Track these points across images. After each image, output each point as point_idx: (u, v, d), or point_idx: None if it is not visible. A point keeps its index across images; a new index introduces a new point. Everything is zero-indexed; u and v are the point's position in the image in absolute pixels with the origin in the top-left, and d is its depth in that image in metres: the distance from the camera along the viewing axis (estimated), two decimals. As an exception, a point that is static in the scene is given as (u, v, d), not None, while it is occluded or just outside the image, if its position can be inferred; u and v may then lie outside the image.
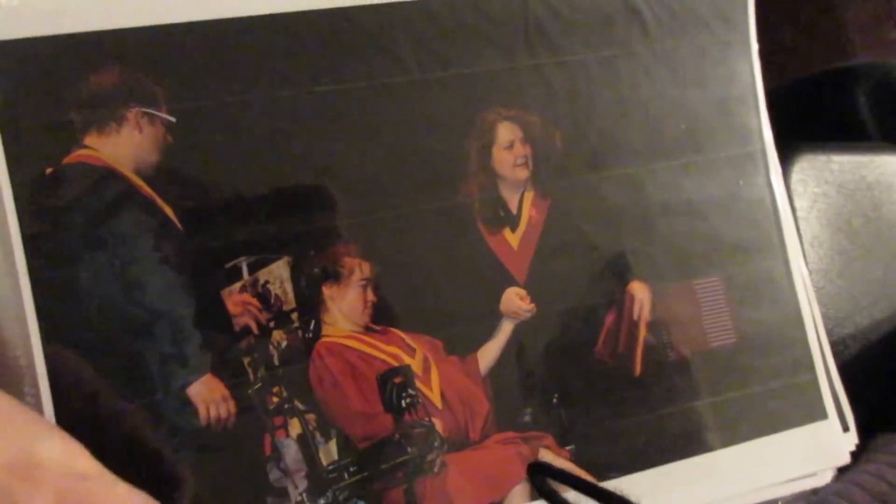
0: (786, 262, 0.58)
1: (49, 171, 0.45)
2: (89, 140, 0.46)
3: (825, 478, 0.56)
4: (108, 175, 0.46)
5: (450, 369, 0.51)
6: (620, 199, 0.55)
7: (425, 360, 0.50)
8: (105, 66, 0.46)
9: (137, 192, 0.47)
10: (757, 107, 0.58)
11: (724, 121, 0.57)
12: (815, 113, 0.75)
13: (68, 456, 0.35)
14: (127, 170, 0.47)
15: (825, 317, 0.60)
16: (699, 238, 0.56)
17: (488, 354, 0.52)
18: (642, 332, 0.55)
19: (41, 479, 0.33)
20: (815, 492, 0.55)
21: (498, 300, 0.52)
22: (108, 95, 0.46)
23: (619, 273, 0.54)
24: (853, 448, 0.57)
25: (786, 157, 0.61)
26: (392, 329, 0.50)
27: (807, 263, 0.60)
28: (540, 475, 0.44)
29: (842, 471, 0.57)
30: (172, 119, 0.47)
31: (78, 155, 0.46)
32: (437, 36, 0.52)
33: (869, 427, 0.58)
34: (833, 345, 0.59)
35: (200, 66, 0.48)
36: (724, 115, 0.58)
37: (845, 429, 0.58)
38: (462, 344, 0.51)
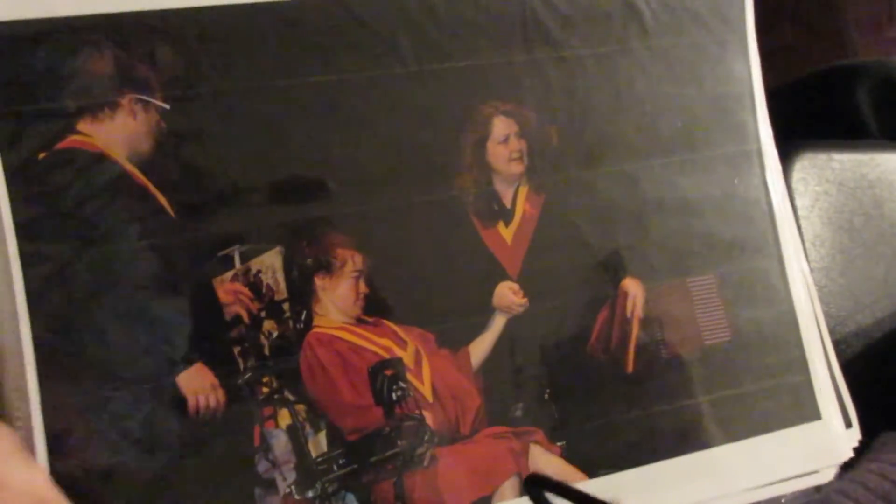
0: (780, 261, 0.58)
1: (42, 156, 0.45)
2: (82, 126, 0.46)
3: (828, 475, 0.56)
4: (101, 161, 0.46)
5: (441, 363, 0.51)
6: (615, 195, 0.55)
7: (417, 352, 0.50)
8: (100, 51, 0.46)
9: (130, 178, 0.46)
10: (753, 106, 0.58)
11: (720, 119, 0.57)
12: (816, 111, 0.75)
13: (32, 480, 0.38)
14: (120, 156, 0.46)
15: (827, 315, 0.60)
16: (694, 236, 0.56)
17: (480, 348, 0.51)
18: (635, 329, 0.54)
19: (7, 498, 0.36)
20: (818, 489, 0.55)
21: (491, 294, 0.52)
22: (102, 81, 0.46)
23: (612, 269, 0.54)
24: (856, 444, 0.57)
25: (787, 156, 0.61)
26: (384, 321, 0.50)
27: (808, 262, 0.60)
28: (537, 488, 0.43)
29: (845, 468, 0.56)
30: (167, 106, 0.47)
31: (71, 141, 0.46)
32: (435, 28, 0.52)
33: (872, 425, 0.58)
34: (835, 343, 0.59)
35: (196, 53, 0.47)
36: (720, 114, 0.57)
37: (848, 425, 0.57)
38: (454, 337, 0.51)
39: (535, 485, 0.43)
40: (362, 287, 0.50)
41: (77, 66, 0.45)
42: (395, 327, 0.50)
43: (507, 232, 0.53)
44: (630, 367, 0.54)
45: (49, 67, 0.45)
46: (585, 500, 0.41)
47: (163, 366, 0.45)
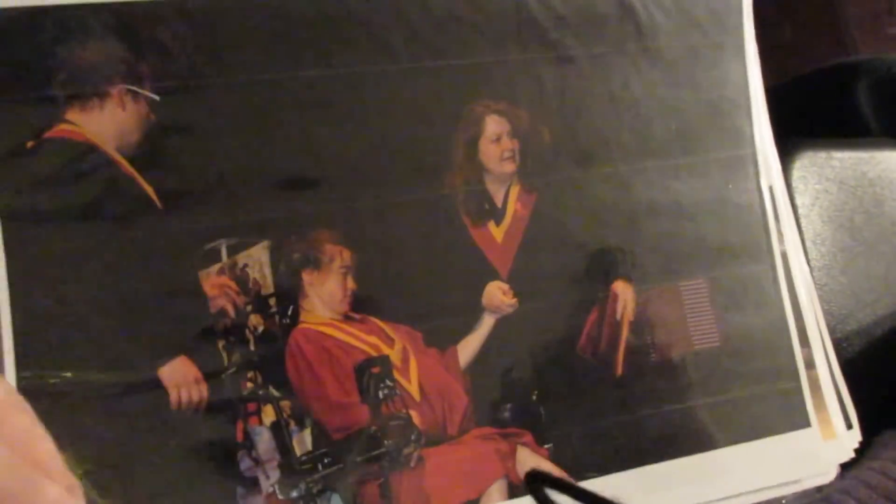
0: (773, 267, 0.57)
1: (30, 144, 0.45)
2: (71, 115, 0.45)
3: (829, 476, 0.56)
4: (89, 151, 0.46)
5: (429, 361, 0.50)
6: (608, 197, 0.54)
7: (404, 350, 0.50)
8: (90, 40, 0.46)
9: (118, 169, 0.46)
10: (748, 110, 0.58)
11: (714, 123, 0.57)
12: (816, 109, 0.75)
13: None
14: (108, 147, 0.46)
15: (828, 314, 0.59)
16: (686, 239, 0.56)
17: (468, 348, 0.51)
18: (625, 332, 0.54)
19: None
20: (819, 490, 0.55)
21: (480, 293, 0.51)
22: (92, 71, 0.46)
23: (603, 271, 0.54)
24: (856, 445, 0.57)
25: (786, 155, 0.60)
26: (371, 318, 0.49)
27: (809, 261, 0.59)
28: (538, 483, 0.43)
29: (847, 468, 0.56)
30: (157, 97, 0.47)
31: (59, 130, 0.45)
32: (428, 25, 0.51)
33: (873, 424, 0.57)
34: (836, 342, 0.59)
35: (187, 45, 0.47)
36: (715, 118, 0.57)
37: (849, 426, 0.57)
38: (442, 336, 0.50)
39: (536, 480, 0.43)
40: (350, 283, 0.49)
41: (67, 54, 0.45)
42: (383, 325, 0.50)
43: (497, 231, 0.52)
44: (619, 371, 0.54)
45: (39, 55, 0.45)
46: (586, 497, 0.40)
47: (145, 357, 0.45)
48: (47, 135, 0.45)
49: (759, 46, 0.58)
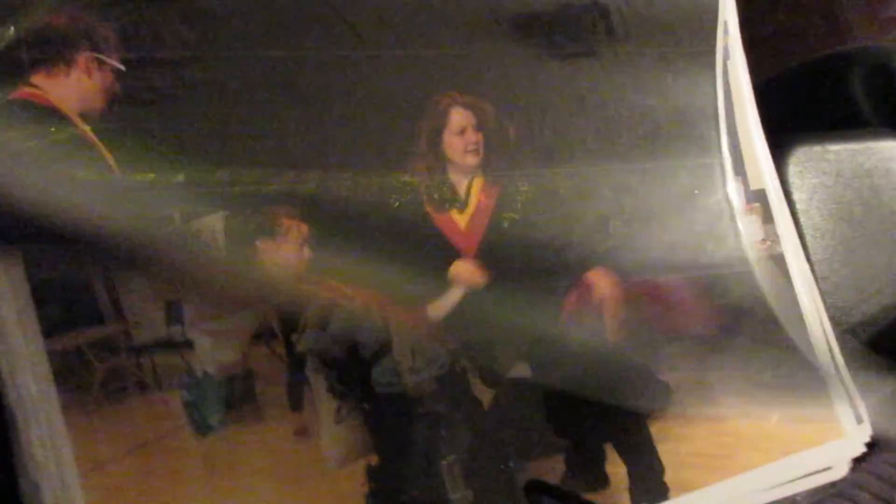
0: (750, 274, 0.56)
1: (-6, 105, 0.45)
2: (37, 79, 0.46)
3: (842, 470, 0.53)
4: (52, 116, 0.46)
5: (397, 313, 0.48)
6: (572, 195, 0.54)
7: (366, 304, 0.48)
8: (60, 5, 0.47)
9: (80, 136, 0.46)
10: (716, 119, 0.58)
11: (682, 131, 0.57)
12: (810, 101, 0.74)
13: None
14: (72, 112, 0.46)
15: (832, 307, 0.59)
16: (652, 242, 0.55)
17: (439, 311, 0.49)
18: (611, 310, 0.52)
19: None
20: (833, 485, 0.53)
21: (444, 271, 0.50)
22: (60, 36, 0.46)
23: (572, 265, 0.53)
24: (867, 440, 0.55)
25: (781, 150, 0.60)
26: (329, 281, 0.48)
27: (809, 256, 0.59)
28: (537, 495, 0.41)
29: (859, 461, 0.54)
30: (122, 67, 0.47)
31: (24, 92, 0.45)
32: (400, 14, 0.52)
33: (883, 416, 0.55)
34: (840, 335, 0.57)
35: (155, 17, 0.48)
36: (682, 125, 0.57)
37: (859, 420, 0.55)
38: (409, 298, 0.49)
39: (536, 491, 0.41)
40: (306, 252, 0.48)
41: (36, 18, 0.46)
42: (342, 286, 0.48)
43: (461, 218, 0.52)
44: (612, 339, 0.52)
45: (6, 17, 0.46)
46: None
47: None
48: (12, 95, 0.45)
49: (753, 33, 0.59)
